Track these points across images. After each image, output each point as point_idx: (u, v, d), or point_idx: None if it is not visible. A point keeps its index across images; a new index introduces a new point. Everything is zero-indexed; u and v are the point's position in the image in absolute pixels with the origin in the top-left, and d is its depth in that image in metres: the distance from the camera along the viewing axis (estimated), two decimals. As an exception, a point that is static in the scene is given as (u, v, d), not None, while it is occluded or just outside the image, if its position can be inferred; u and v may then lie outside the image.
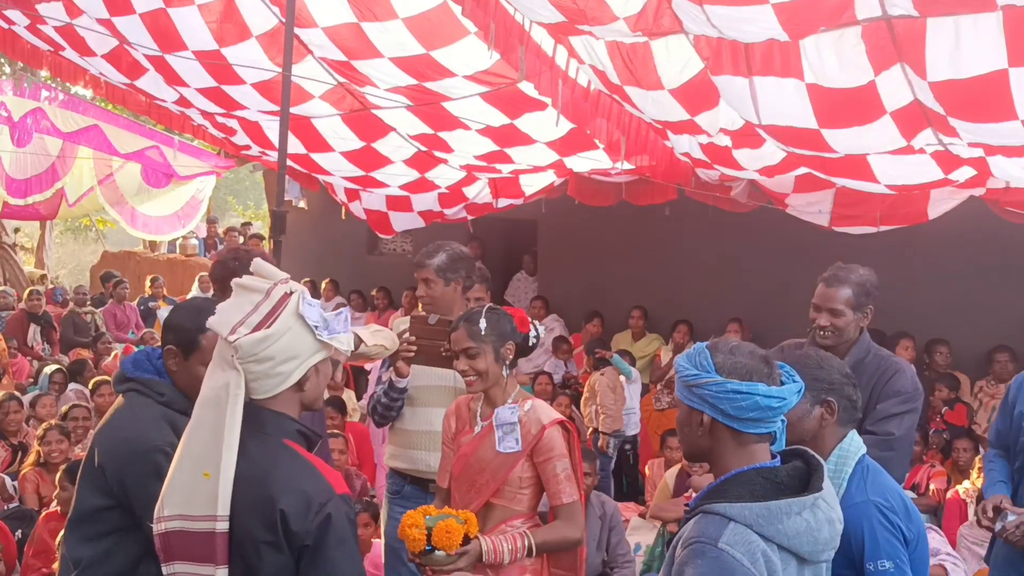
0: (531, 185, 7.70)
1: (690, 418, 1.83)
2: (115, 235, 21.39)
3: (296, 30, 5.26)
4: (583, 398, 6.95)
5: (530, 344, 2.97)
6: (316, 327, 1.95)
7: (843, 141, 4.40)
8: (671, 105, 4.74)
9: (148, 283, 11.86)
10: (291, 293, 1.98)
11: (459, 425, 2.99)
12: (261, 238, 12.28)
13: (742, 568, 1.65)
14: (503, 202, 8.00)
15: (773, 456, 1.83)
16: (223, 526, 1.88)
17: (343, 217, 9.34)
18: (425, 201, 8.30)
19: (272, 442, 1.96)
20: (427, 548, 2.60)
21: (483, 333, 2.80)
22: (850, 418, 2.46)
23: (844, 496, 2.35)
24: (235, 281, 2.02)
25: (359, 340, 3.22)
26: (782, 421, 1.81)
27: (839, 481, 2.37)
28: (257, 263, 2.04)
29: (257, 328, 1.92)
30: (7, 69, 17.46)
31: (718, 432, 1.81)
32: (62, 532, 2.56)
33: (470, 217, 8.47)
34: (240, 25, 5.73)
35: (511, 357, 2.88)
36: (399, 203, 8.45)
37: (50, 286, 13.66)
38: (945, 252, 6.64)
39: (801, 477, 1.81)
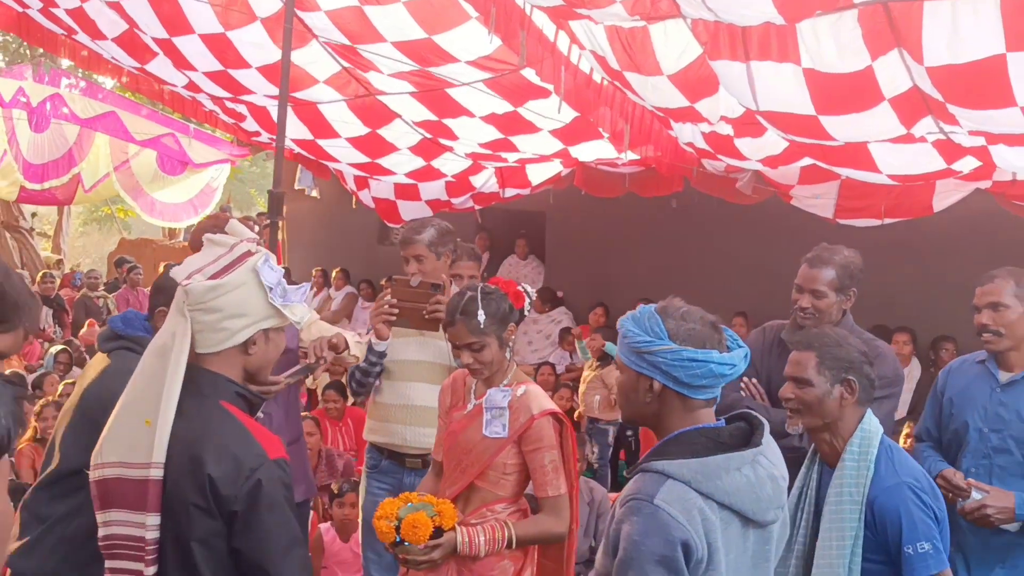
0: (538, 174, 7.68)
1: (637, 384, 1.79)
2: (138, 225, 21.56)
3: (299, 13, 5.29)
4: (582, 389, 6.90)
5: (527, 312, 2.93)
6: (270, 288, 1.94)
7: (842, 128, 4.34)
8: (671, 91, 4.70)
9: (161, 269, 11.94)
10: (254, 252, 1.97)
11: (453, 399, 2.92)
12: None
13: (676, 525, 1.62)
14: (510, 192, 7.99)
15: (717, 418, 1.80)
16: (157, 473, 1.86)
17: (353, 206, 9.36)
18: (432, 190, 8.31)
19: (208, 404, 1.93)
20: (398, 540, 2.56)
21: (483, 326, 2.71)
22: (868, 397, 2.43)
23: (874, 479, 2.33)
24: (206, 236, 2.04)
25: (346, 343, 3.22)
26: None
27: (867, 463, 2.35)
28: (232, 224, 2.06)
29: (213, 277, 1.92)
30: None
31: (667, 398, 1.77)
32: (28, 493, 2.56)
33: (478, 207, 8.47)
34: (245, 8, 5.76)
35: (513, 336, 2.82)
36: (407, 192, 8.47)
37: (67, 271, 13.81)
38: (951, 247, 6.53)
39: (744, 437, 1.77)
